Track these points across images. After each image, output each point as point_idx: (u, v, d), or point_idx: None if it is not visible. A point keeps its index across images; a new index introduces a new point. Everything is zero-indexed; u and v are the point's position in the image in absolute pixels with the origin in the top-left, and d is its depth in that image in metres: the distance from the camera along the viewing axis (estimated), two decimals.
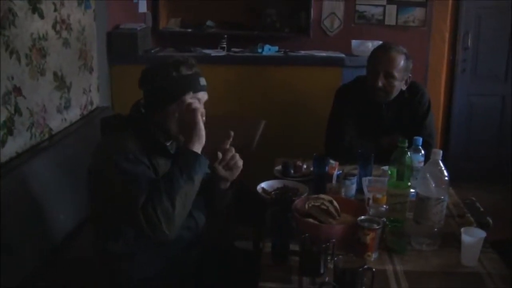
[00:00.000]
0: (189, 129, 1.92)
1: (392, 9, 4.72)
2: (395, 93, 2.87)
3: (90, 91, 3.34)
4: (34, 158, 2.47)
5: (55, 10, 2.82)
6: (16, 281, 2.03)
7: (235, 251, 2.46)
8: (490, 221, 2.77)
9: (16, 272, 2.04)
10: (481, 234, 1.88)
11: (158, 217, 1.74)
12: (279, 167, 2.72)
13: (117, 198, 1.81)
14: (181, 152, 1.92)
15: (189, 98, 1.95)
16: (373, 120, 2.93)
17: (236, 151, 3.37)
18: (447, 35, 4.80)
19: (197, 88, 1.97)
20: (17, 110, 2.45)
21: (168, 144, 2.03)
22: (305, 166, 2.69)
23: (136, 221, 1.75)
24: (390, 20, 4.74)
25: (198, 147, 1.91)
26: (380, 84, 2.81)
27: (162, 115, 1.97)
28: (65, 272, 2.19)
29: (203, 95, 2.01)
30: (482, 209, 2.97)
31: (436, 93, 4.78)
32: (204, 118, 1.98)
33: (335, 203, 2.03)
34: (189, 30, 4.75)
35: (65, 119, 2.97)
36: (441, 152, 1.97)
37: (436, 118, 4.67)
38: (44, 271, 2.16)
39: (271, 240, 1.90)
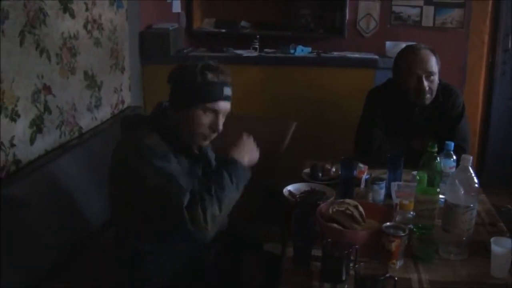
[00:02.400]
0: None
1: (429, 10, 4.61)
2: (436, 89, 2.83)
3: (121, 90, 3.36)
4: (63, 156, 2.49)
5: (87, 9, 2.84)
6: (39, 276, 2.05)
7: (263, 255, 2.45)
8: None
9: (38, 267, 2.06)
10: None
11: (206, 218, 1.78)
12: (307, 170, 2.68)
13: (155, 197, 1.80)
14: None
15: (209, 106, 1.94)
16: (405, 123, 2.87)
17: (266, 151, 3.38)
18: (486, 36, 4.66)
19: (219, 97, 1.95)
20: (47, 109, 2.47)
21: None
22: (334, 169, 2.64)
23: (180, 219, 1.76)
24: (427, 21, 4.63)
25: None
26: (426, 87, 2.76)
27: (180, 116, 1.97)
28: (86, 269, 2.20)
29: (225, 105, 1.98)
30: None
31: (474, 96, 4.66)
32: (220, 129, 1.99)
33: (360, 208, 1.99)
34: (223, 30, 4.74)
35: (96, 118, 2.99)
36: (471, 158, 1.90)
37: (474, 121, 4.57)
38: (66, 267, 2.17)
39: (293, 244, 1.87)
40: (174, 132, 1.96)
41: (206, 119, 1.95)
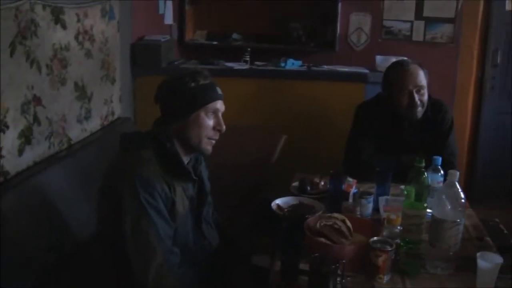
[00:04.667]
0: None
1: (419, 25, 4.66)
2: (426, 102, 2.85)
3: (111, 101, 3.36)
4: (51, 167, 2.48)
5: (78, 21, 2.84)
6: None
7: (251, 269, 2.44)
8: None
9: (24, 281, 2.04)
10: (498, 259, 1.82)
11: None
12: (296, 184, 2.68)
13: (132, 235, 1.81)
14: None
15: (210, 106, 1.97)
16: (394, 138, 2.88)
17: (256, 164, 3.38)
18: (475, 51, 4.71)
19: (216, 97, 2.00)
20: (36, 120, 2.47)
21: (187, 163, 2.03)
22: (322, 183, 2.65)
23: (139, 270, 1.80)
24: (418, 36, 4.68)
25: None
26: (418, 102, 2.78)
27: (182, 126, 1.97)
28: (73, 282, 2.18)
29: (222, 104, 2.03)
30: (506, 232, 2.90)
31: (464, 111, 4.70)
32: (224, 128, 2.01)
33: (348, 222, 1.99)
34: (215, 42, 4.76)
35: (85, 129, 2.98)
36: (458, 173, 1.92)
37: (463, 136, 4.60)
38: (52, 280, 2.16)
39: (280, 258, 1.88)
40: (172, 152, 1.95)
41: (209, 121, 1.98)
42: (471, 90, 4.79)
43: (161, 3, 4.22)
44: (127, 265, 1.83)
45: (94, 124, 3.10)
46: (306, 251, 1.89)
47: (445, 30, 4.65)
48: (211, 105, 1.97)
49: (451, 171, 1.92)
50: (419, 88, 2.78)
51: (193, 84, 1.96)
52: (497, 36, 4.72)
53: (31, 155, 2.45)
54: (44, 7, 2.50)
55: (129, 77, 3.72)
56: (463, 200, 1.91)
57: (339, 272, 1.74)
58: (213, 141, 2.02)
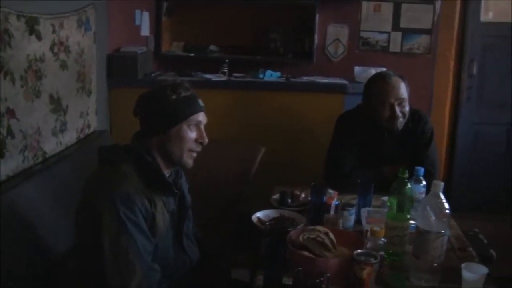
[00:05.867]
0: None
1: (397, 36, 4.68)
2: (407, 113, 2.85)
3: (87, 114, 3.29)
4: (26, 182, 2.41)
5: (54, 31, 2.78)
6: None
7: (230, 283, 2.40)
8: (494, 254, 2.70)
9: None
10: (483, 270, 1.81)
11: None
12: (276, 196, 2.65)
13: (110, 251, 1.76)
14: None
15: (192, 119, 1.94)
16: (375, 149, 2.87)
17: (234, 177, 3.35)
18: (452, 62, 4.75)
19: (198, 109, 1.97)
20: (10, 133, 2.40)
21: (167, 176, 1.98)
22: (303, 195, 2.62)
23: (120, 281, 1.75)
24: (395, 47, 4.70)
25: None
26: (399, 114, 2.78)
27: (163, 139, 1.93)
28: None
29: (204, 116, 2.00)
30: (485, 241, 2.90)
31: (441, 121, 4.72)
32: (206, 140, 1.98)
33: (331, 235, 1.96)
34: (192, 54, 4.72)
35: (60, 143, 2.91)
36: (442, 184, 1.90)
37: (440, 146, 4.62)
38: None
39: (263, 273, 1.84)
40: (153, 167, 1.91)
41: (192, 133, 1.95)
42: (447, 101, 4.82)
43: (137, 15, 4.18)
44: (104, 283, 1.78)
45: (69, 137, 3.03)
46: (289, 265, 1.85)
47: (422, 41, 4.68)
48: (193, 118, 1.94)
49: (435, 182, 1.90)
50: (400, 101, 2.77)
51: (174, 97, 1.92)
52: (472, 47, 4.77)
53: (5, 169, 2.38)
54: (18, 17, 2.44)
55: (105, 89, 3.66)
56: (447, 211, 1.89)
57: (323, 286, 1.70)
58: (195, 154, 1.99)
